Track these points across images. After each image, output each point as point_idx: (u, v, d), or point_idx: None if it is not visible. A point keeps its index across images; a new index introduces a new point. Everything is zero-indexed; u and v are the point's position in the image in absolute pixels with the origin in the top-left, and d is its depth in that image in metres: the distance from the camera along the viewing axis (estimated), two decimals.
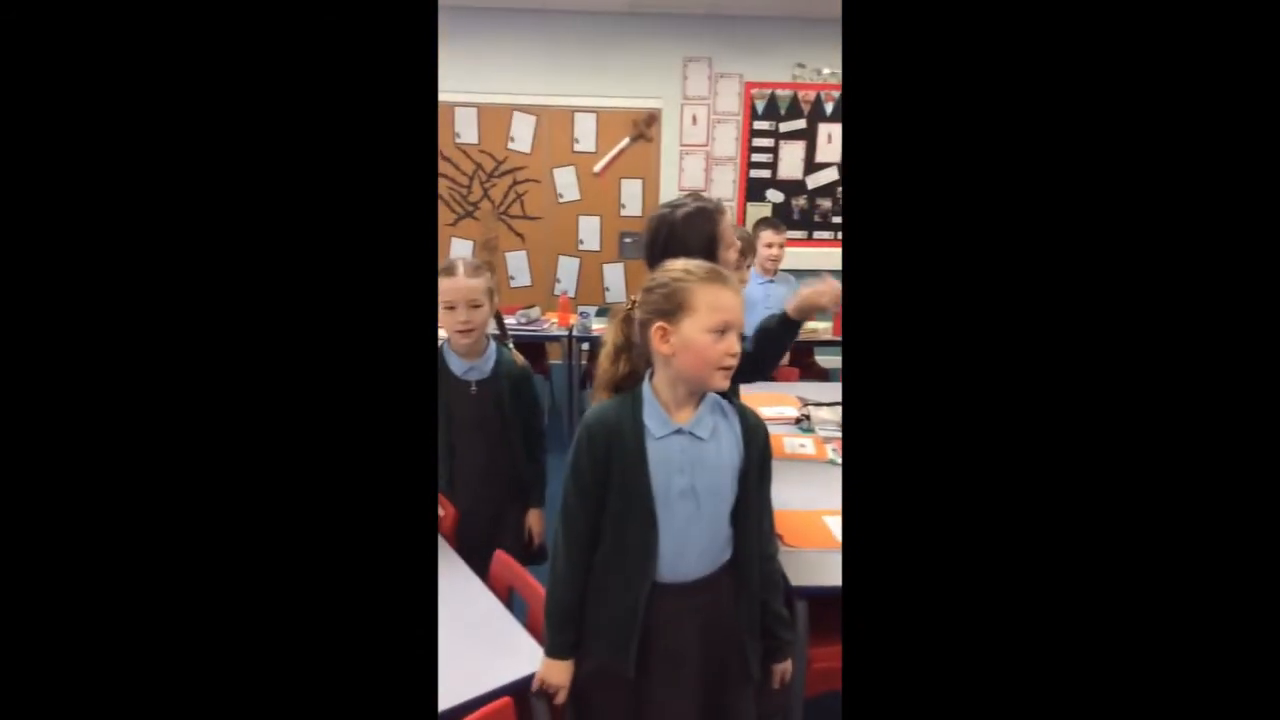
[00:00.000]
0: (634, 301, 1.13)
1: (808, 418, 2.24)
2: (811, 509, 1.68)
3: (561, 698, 1.11)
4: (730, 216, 1.55)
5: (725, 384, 1.07)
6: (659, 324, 1.06)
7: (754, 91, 4.64)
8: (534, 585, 1.38)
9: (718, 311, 1.04)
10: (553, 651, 1.12)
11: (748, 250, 2.25)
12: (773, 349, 1.52)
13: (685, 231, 1.48)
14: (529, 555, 1.74)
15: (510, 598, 1.47)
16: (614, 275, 4.97)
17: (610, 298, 4.94)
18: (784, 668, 1.22)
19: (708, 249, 1.45)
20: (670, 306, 1.06)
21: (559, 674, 1.11)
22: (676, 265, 1.11)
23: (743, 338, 1.08)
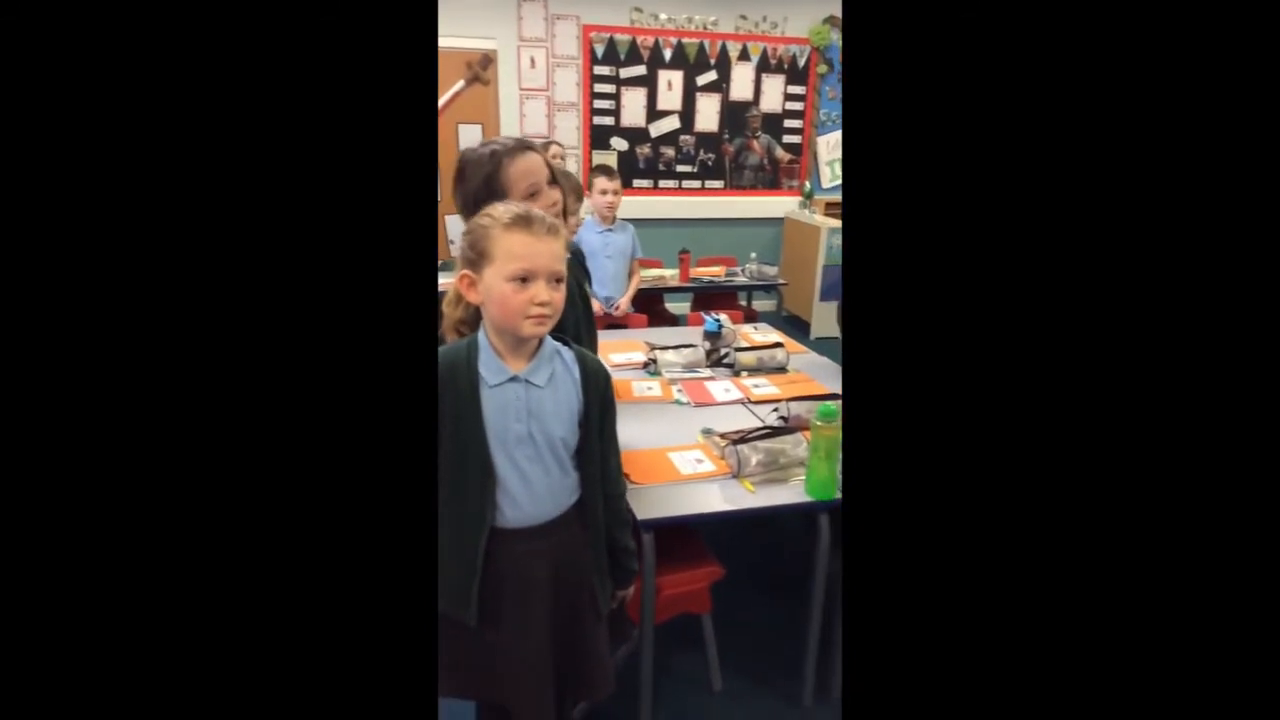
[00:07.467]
0: None
1: (654, 361, 2.27)
2: (658, 447, 1.72)
3: None
4: (537, 160, 1.39)
5: (538, 332, 1.03)
6: (464, 272, 1.05)
7: (592, 35, 4.54)
8: None
9: (515, 259, 0.99)
10: None
11: (578, 196, 2.20)
12: None
13: (471, 173, 1.36)
14: None
15: None
16: (456, 226, 4.76)
17: (453, 250, 4.74)
18: (625, 592, 1.26)
19: (488, 195, 1.29)
20: (474, 254, 1.03)
21: None
22: (491, 210, 1.05)
23: (562, 283, 1.03)
